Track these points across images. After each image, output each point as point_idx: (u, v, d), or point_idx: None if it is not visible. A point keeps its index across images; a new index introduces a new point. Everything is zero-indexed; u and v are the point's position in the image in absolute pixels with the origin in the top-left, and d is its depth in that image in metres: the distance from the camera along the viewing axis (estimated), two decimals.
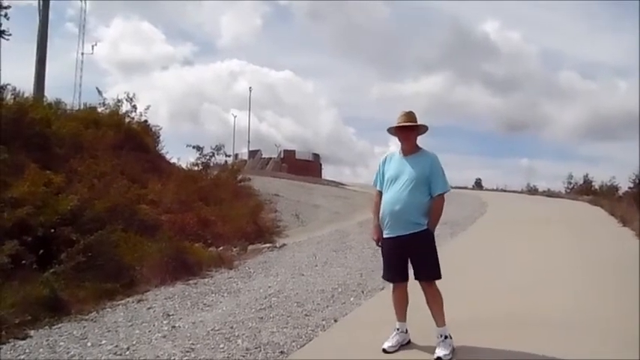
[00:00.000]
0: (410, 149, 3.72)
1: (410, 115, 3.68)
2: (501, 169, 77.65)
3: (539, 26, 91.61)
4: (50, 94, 15.16)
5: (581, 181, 29.19)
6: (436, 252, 3.65)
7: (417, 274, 3.61)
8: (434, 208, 3.62)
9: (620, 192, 24.25)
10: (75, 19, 69.46)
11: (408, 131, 3.68)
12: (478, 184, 36.89)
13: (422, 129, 3.76)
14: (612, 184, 26.90)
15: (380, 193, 3.79)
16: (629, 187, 24.34)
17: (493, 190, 27.23)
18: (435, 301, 3.57)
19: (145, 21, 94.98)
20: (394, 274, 3.71)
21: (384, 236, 3.70)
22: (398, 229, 3.59)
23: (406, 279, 3.68)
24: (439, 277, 3.61)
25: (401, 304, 3.72)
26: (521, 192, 25.80)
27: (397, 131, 3.72)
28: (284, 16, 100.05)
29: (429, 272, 3.58)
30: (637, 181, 24.02)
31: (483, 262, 7.13)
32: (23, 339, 4.31)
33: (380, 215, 3.72)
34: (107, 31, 74.38)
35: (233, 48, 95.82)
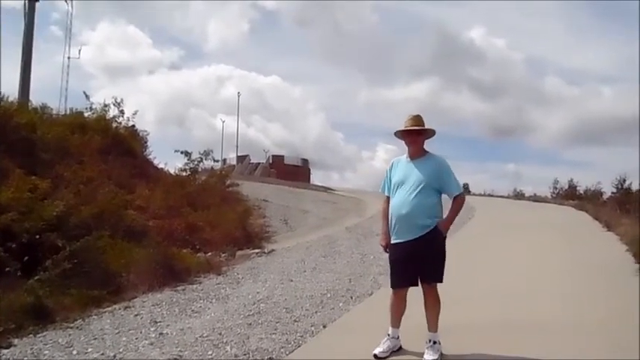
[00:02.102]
0: (417, 153, 3.70)
1: (417, 119, 3.68)
2: (488, 173, 78.36)
3: (524, 33, 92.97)
4: (35, 98, 15.03)
5: (567, 186, 29.66)
6: (444, 254, 3.62)
7: (422, 276, 3.58)
8: (454, 206, 3.63)
9: (605, 197, 24.70)
10: (60, 23, 68.90)
11: (415, 135, 3.67)
12: (465, 189, 37.10)
13: (429, 133, 3.73)
14: (597, 189, 27.39)
15: (388, 199, 3.76)
16: (613, 192, 24.83)
17: (480, 195, 27.44)
18: (433, 306, 3.57)
19: (132, 25, 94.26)
20: (400, 280, 3.65)
21: (392, 242, 3.66)
22: (406, 234, 3.56)
23: (411, 284, 3.63)
24: (440, 280, 3.59)
25: (398, 311, 3.69)
26: (508, 197, 26.07)
27: (404, 135, 3.70)
28: (271, 21, 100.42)
29: (433, 274, 3.56)
30: (620, 186, 24.49)
31: (472, 266, 7.16)
32: (7, 348, 4.22)
33: (389, 220, 3.70)
34: (93, 35, 74.12)
35: (220, 53, 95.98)
